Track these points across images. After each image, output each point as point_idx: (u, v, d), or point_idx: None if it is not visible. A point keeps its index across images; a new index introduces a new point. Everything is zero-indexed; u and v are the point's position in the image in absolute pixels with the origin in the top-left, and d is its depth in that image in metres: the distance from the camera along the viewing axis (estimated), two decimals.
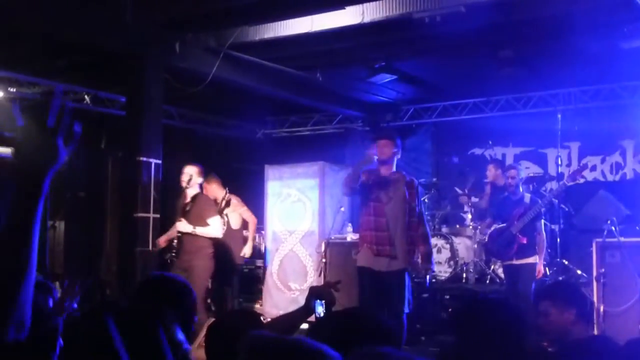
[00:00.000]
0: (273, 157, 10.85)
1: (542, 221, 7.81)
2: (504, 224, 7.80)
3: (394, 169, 6.56)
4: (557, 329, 3.85)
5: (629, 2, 6.08)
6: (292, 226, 9.86)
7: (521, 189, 7.85)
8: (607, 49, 7.98)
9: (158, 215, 8.10)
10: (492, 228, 8.05)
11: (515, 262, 7.57)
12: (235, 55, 8.51)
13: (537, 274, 7.65)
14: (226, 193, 8.11)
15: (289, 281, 9.84)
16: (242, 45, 8.25)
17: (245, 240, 8.92)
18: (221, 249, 8.10)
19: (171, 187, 8.19)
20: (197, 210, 7.63)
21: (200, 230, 7.59)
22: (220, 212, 8.00)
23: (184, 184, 7.75)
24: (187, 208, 7.67)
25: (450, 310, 8.76)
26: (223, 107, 10.88)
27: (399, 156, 6.61)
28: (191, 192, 7.71)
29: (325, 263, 9.18)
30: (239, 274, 9.31)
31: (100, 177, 11.06)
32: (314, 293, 3.44)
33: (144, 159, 7.97)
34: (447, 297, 9.05)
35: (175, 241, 7.75)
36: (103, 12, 7.43)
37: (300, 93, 10.06)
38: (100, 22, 7.50)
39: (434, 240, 10.10)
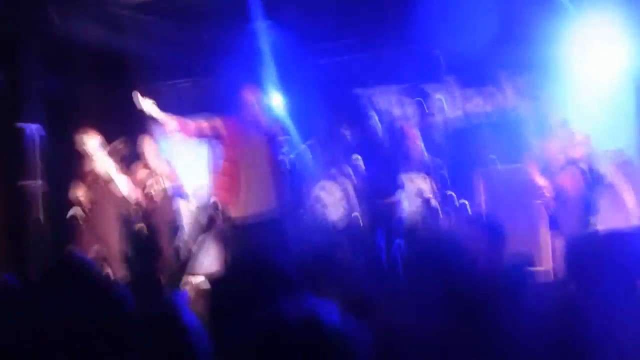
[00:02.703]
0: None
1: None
2: (364, 164, 7.71)
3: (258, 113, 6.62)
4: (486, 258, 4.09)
5: None
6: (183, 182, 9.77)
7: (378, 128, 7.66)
8: None
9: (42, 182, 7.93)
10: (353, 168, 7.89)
11: (379, 201, 7.48)
12: (113, 12, 8.23)
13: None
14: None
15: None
16: (121, 3, 8.00)
17: None
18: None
19: (55, 155, 8.00)
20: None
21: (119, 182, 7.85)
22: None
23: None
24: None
25: None
26: (103, 69, 10.52)
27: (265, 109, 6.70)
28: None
29: (218, 215, 9.17)
30: None
31: None
32: None
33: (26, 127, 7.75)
34: (342, 236, 9.23)
35: (83, 200, 7.74)
36: None
37: (180, 46, 9.87)
38: None
39: (323, 183, 10.27)
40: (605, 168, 7.49)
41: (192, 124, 6.64)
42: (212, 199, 8.72)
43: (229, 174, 6.58)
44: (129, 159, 8.33)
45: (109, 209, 7.90)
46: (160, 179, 8.40)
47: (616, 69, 7.41)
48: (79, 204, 7.77)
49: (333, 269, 8.55)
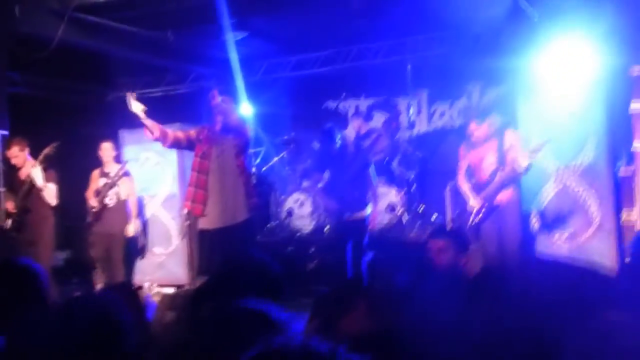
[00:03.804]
0: (128, 120, 10.57)
1: (372, 167, 7.46)
2: (331, 178, 7.61)
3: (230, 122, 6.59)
4: (448, 265, 4.12)
5: None
6: (153, 190, 9.70)
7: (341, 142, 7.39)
8: None
9: (3, 189, 7.88)
10: (322, 183, 7.81)
11: (347, 217, 7.25)
12: (81, 17, 8.17)
13: (371, 224, 7.42)
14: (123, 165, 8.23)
15: (154, 246, 9.73)
16: (88, 6, 7.94)
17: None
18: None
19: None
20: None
21: (49, 190, 7.73)
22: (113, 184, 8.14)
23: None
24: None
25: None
26: (70, 71, 10.45)
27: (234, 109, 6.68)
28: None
29: (189, 225, 9.12)
30: None
31: None
32: None
33: None
34: (313, 249, 9.23)
35: (14, 212, 7.71)
36: None
37: (151, 53, 9.81)
38: None
39: (295, 196, 10.27)
40: (571, 179, 7.56)
41: (170, 133, 6.65)
42: (183, 210, 8.68)
43: (199, 186, 6.55)
44: (65, 164, 8.29)
45: (43, 217, 7.89)
46: (117, 186, 8.34)
47: (586, 82, 7.48)
48: (9, 214, 7.76)
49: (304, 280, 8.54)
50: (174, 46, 9.79)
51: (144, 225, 9.60)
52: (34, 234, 7.80)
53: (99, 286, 8.38)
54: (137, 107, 6.47)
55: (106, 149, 8.55)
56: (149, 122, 6.52)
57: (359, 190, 7.24)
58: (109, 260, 8.50)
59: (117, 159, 8.68)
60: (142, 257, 9.65)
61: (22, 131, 8.07)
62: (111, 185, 8.30)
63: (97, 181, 8.50)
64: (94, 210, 8.34)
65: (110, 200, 8.34)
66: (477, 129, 7.11)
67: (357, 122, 10.26)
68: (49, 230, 7.91)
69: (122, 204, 8.43)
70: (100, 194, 8.32)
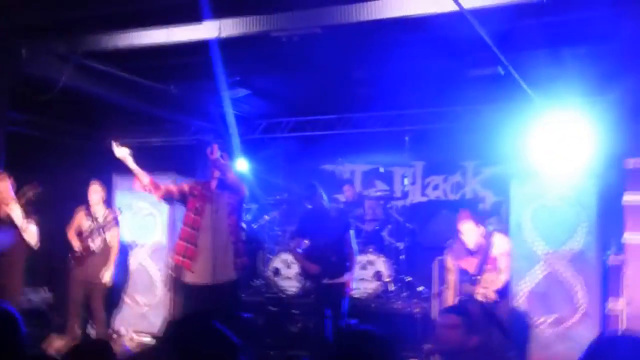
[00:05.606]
0: (122, 167, 10.56)
1: (352, 232, 7.47)
2: (311, 242, 7.60)
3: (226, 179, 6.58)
4: (456, 343, 4.08)
5: (474, 33, 6.39)
6: (142, 239, 9.64)
7: (325, 203, 7.49)
8: (453, 75, 8.36)
9: None
10: (302, 246, 7.76)
11: (325, 281, 7.28)
12: (86, 63, 8.25)
13: (349, 290, 7.44)
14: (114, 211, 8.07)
15: (138, 295, 9.62)
16: (95, 53, 8.00)
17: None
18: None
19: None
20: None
21: (30, 232, 7.38)
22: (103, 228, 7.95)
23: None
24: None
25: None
26: (70, 114, 10.49)
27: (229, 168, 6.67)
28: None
29: (174, 277, 9.03)
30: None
31: None
32: None
33: None
34: (297, 312, 9.14)
35: None
36: None
37: (153, 104, 9.89)
38: None
39: (283, 256, 10.21)
40: (560, 263, 7.53)
41: (162, 185, 6.64)
42: (170, 262, 8.59)
43: (190, 241, 6.52)
44: (40, 205, 8.02)
45: (15, 260, 7.46)
46: (102, 229, 8.17)
47: (581, 169, 7.54)
48: None
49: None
50: (176, 99, 9.87)
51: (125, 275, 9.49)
52: (4, 275, 7.35)
53: (74, 332, 8.16)
54: (122, 152, 6.49)
55: (95, 190, 8.31)
56: (137, 169, 6.53)
57: (337, 255, 7.25)
58: (89, 307, 8.32)
59: (106, 203, 8.49)
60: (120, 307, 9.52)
61: (17, 170, 8.00)
62: (100, 230, 8.13)
63: (81, 221, 8.27)
64: (76, 253, 8.15)
65: (95, 245, 8.16)
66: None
67: (348, 190, 10.30)
68: (18, 274, 7.50)
69: (106, 251, 8.26)
70: (86, 237, 8.16)
